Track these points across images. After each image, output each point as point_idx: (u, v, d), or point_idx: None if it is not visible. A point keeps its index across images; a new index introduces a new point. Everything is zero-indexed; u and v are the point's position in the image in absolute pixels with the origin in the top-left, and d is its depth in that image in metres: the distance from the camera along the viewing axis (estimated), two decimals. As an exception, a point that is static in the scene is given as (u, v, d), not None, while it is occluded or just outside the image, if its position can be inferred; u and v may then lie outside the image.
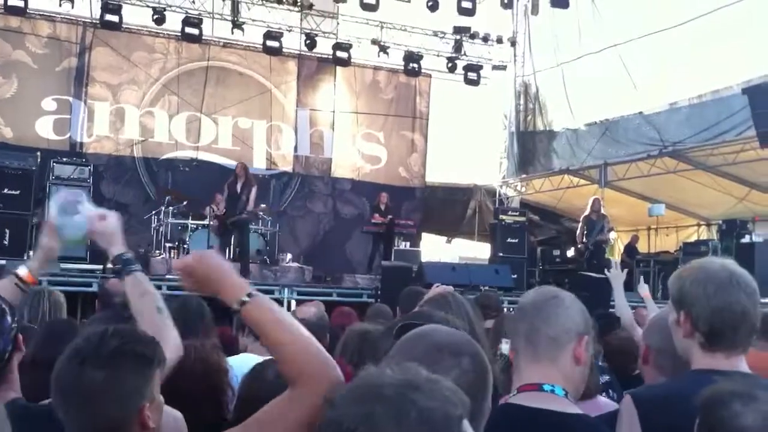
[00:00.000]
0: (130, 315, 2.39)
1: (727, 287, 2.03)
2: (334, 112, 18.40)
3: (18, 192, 11.62)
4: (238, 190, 12.27)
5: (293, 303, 10.66)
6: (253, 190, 12.50)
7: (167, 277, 11.67)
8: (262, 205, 13.43)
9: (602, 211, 14.61)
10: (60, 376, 1.75)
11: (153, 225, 14.10)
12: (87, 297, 9.82)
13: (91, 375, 1.70)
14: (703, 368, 2.04)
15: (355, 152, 18.61)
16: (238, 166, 13.14)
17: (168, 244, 13.55)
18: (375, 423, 1.06)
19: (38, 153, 13.32)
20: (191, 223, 13.52)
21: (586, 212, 14.57)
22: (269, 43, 16.49)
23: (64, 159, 13.41)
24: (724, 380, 1.76)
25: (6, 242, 11.24)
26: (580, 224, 14.74)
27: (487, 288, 10.44)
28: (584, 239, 14.43)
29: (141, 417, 1.74)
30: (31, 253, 11.45)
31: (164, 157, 16.41)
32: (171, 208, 13.54)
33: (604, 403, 2.92)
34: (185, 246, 13.38)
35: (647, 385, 2.32)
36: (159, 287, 8.73)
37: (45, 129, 15.53)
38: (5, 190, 11.57)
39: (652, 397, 2.03)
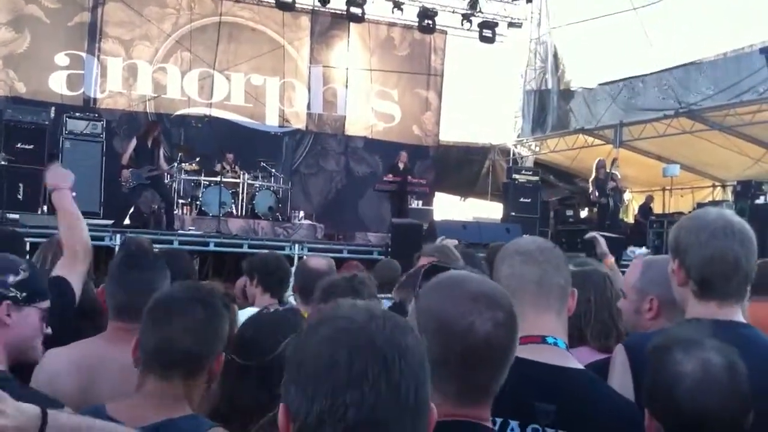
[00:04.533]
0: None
1: (720, 236, 1.99)
2: (347, 69, 18.26)
3: (32, 146, 11.66)
4: (149, 144, 11.77)
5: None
6: (163, 148, 12.29)
7: (179, 232, 11.79)
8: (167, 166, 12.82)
9: (608, 169, 14.63)
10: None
11: (166, 181, 14.16)
12: (100, 250, 9.90)
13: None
14: (696, 317, 2.01)
15: (369, 110, 18.50)
16: (153, 123, 12.95)
17: (181, 200, 13.61)
18: None
19: (53, 108, 13.36)
20: (204, 180, 13.57)
21: (593, 175, 14.61)
22: (282, -2, 16.34)
23: (77, 114, 13.40)
24: (680, 327, 1.75)
25: (20, 196, 11.29)
26: (590, 188, 14.76)
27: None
28: (598, 196, 14.48)
29: None
30: (45, 207, 11.56)
31: (177, 113, 16.39)
32: (184, 164, 13.57)
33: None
34: (198, 203, 13.44)
35: (639, 333, 2.31)
36: (170, 242, 8.75)
37: (58, 84, 15.51)
38: (19, 145, 11.60)
39: (644, 345, 2.02)
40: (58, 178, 3.17)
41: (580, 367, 1.92)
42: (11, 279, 2.16)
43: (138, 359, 1.96)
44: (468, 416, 1.49)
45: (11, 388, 2.09)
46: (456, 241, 4.29)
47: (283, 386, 1.14)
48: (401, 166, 14.86)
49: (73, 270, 2.98)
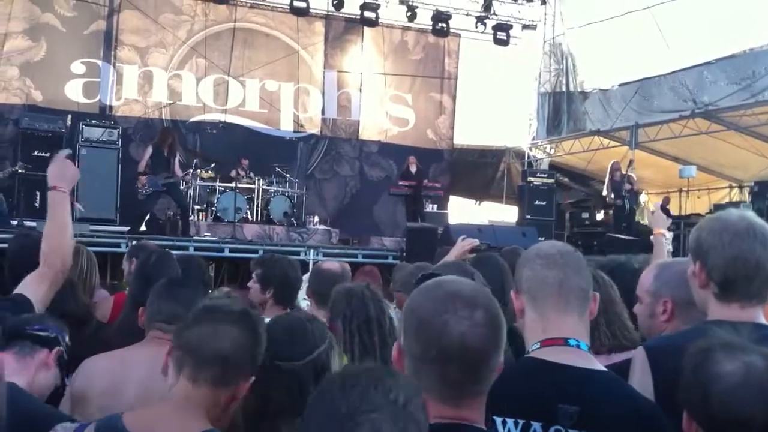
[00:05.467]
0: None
1: (743, 237, 1.98)
2: (361, 73, 18.29)
3: (48, 154, 11.65)
4: (165, 152, 11.72)
5: (319, 264, 10.64)
6: (178, 155, 12.23)
7: (195, 238, 11.82)
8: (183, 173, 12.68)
9: (624, 171, 14.53)
10: None
11: (181, 187, 14.20)
12: (116, 257, 9.95)
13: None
14: (718, 319, 2.00)
15: (383, 114, 18.51)
16: (168, 130, 12.89)
17: (196, 207, 13.65)
18: None
19: (69, 115, 13.45)
20: (219, 186, 13.60)
21: (608, 177, 14.51)
22: (296, 3, 16.34)
23: (94, 121, 13.51)
24: (721, 330, 1.72)
25: (37, 204, 11.37)
26: (605, 191, 14.66)
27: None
28: (613, 198, 14.38)
29: None
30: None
31: (192, 119, 16.47)
32: (199, 170, 13.61)
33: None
34: (213, 209, 13.47)
35: (660, 336, 2.30)
36: (186, 248, 8.72)
37: (74, 92, 15.61)
38: (35, 152, 11.71)
39: (664, 347, 2.01)
40: (63, 177, 2.95)
41: (603, 368, 1.92)
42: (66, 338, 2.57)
43: (166, 366, 1.92)
44: (453, 418, 1.52)
45: (18, 397, 2.11)
46: (477, 241, 4.25)
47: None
48: (413, 169, 14.86)
49: (44, 283, 2.83)
